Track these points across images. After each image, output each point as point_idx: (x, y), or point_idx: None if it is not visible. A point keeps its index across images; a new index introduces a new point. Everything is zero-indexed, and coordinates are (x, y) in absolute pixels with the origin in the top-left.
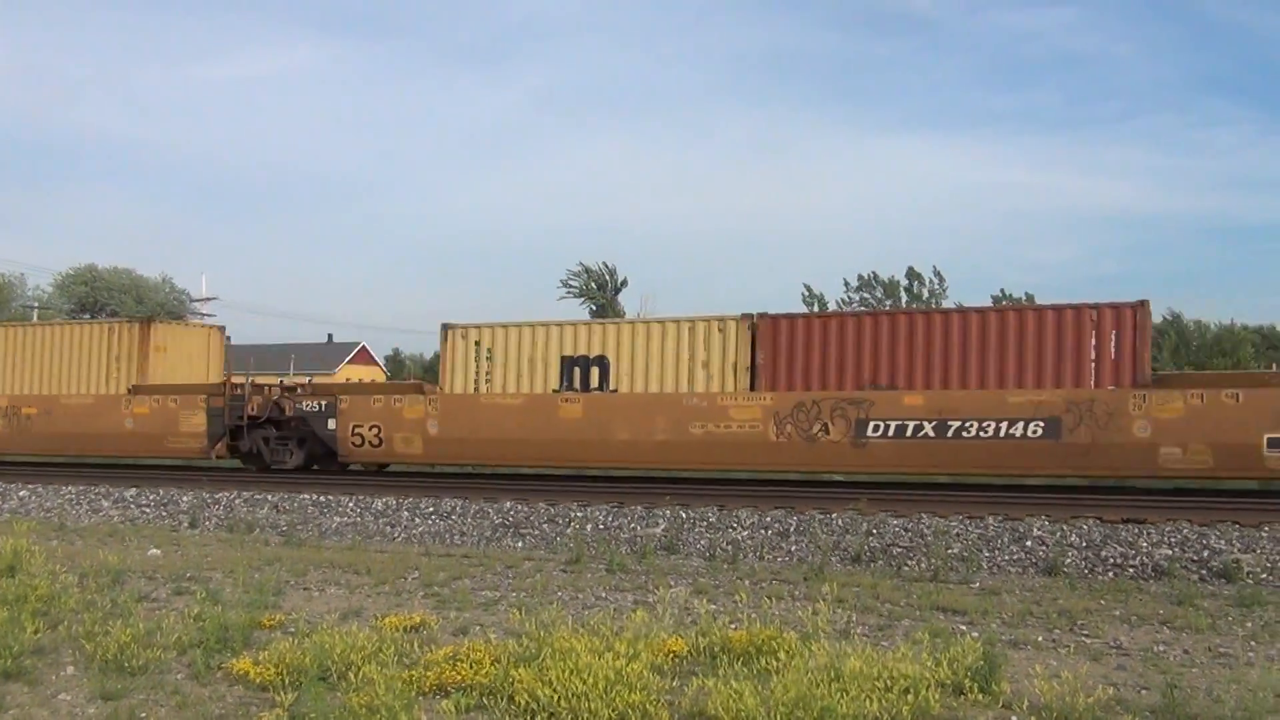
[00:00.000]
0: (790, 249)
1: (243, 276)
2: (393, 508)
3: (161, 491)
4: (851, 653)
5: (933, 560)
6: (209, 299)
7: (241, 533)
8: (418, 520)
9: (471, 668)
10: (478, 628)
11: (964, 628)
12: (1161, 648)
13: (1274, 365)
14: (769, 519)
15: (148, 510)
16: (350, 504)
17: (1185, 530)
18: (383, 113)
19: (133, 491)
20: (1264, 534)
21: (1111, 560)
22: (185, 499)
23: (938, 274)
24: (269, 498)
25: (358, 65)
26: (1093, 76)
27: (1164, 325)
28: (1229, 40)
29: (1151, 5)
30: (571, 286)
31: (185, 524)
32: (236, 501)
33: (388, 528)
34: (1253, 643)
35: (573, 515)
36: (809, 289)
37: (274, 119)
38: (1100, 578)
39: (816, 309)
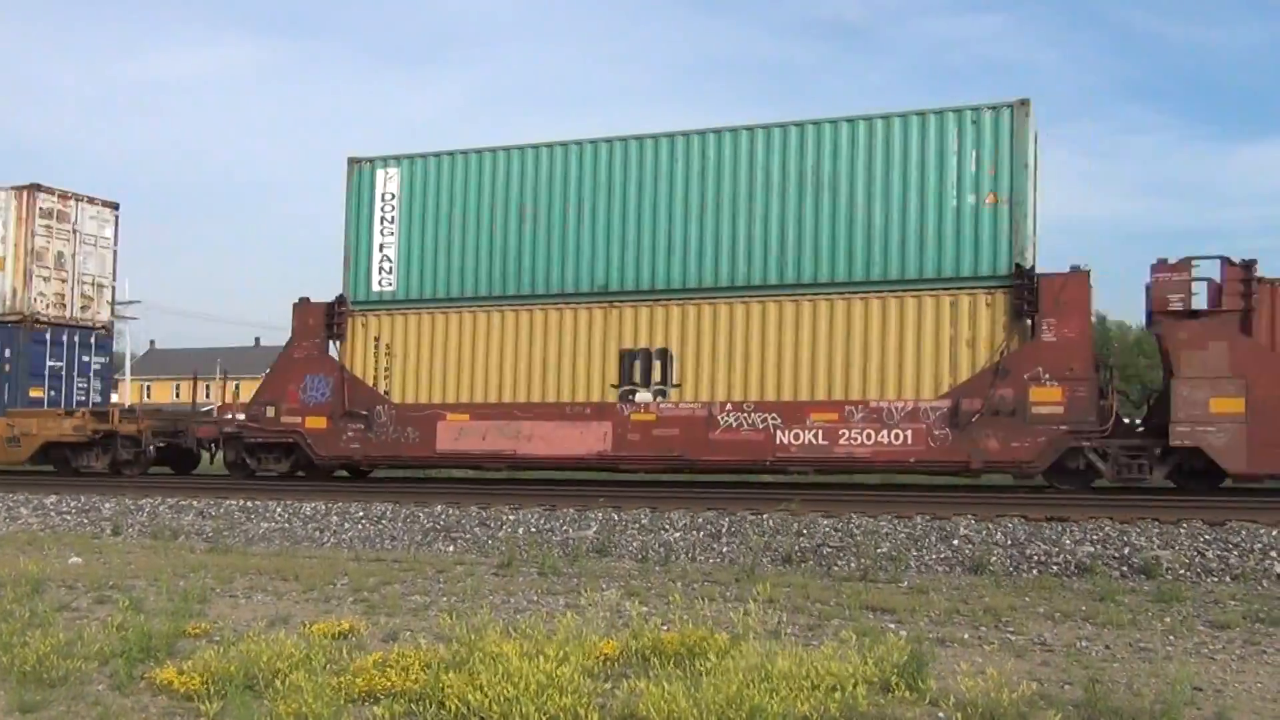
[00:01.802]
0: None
1: (168, 280)
2: (322, 513)
3: (83, 498)
4: (781, 652)
5: (862, 560)
6: (131, 302)
7: (166, 539)
8: (347, 525)
9: (401, 674)
10: (408, 633)
11: (893, 626)
12: (1084, 643)
13: None
14: (701, 520)
15: (69, 517)
16: (278, 509)
17: (1107, 528)
18: (310, 113)
19: (53, 499)
20: (1183, 531)
21: (1036, 558)
22: (108, 506)
23: None
24: (194, 504)
25: (284, 65)
26: (1017, 83)
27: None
28: (1148, 50)
29: (1074, 15)
30: None
31: (108, 531)
32: (161, 508)
33: (317, 533)
34: (1171, 637)
35: (505, 518)
36: None
37: (197, 119)
38: (1025, 575)
39: None
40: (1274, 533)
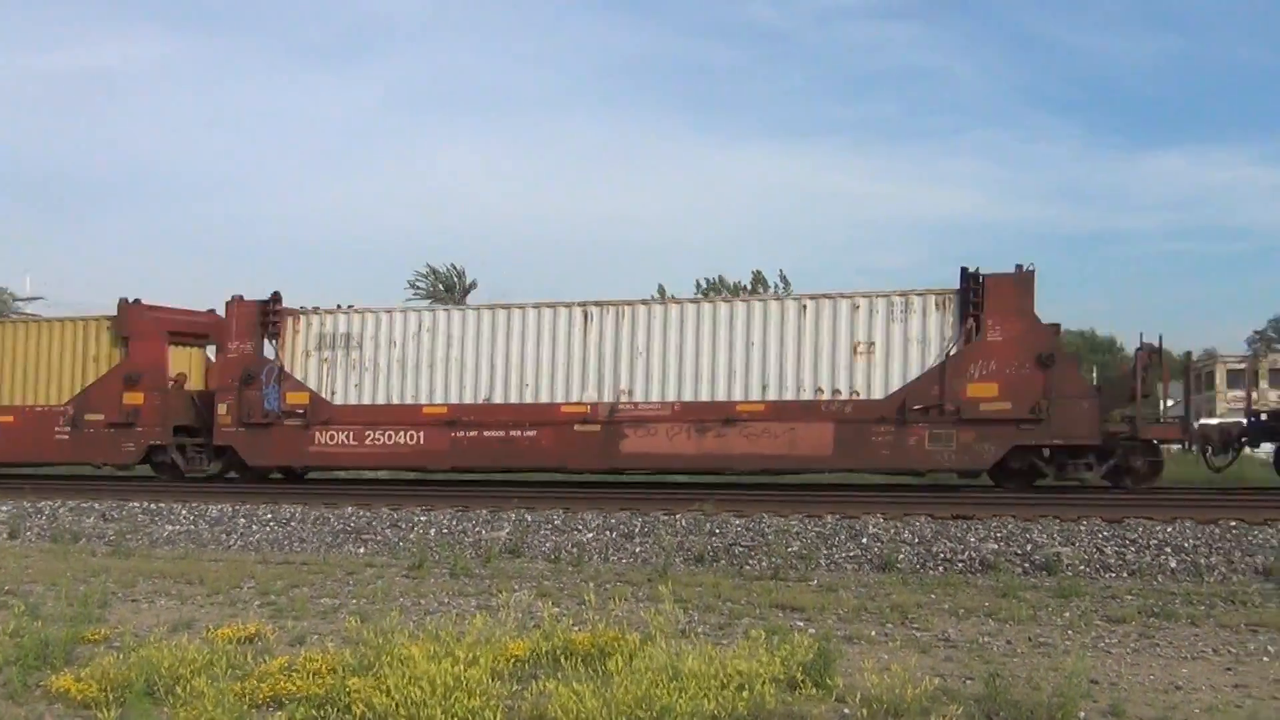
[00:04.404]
0: (644, 252)
1: (77, 275)
2: (229, 515)
3: None
4: (692, 652)
5: (774, 558)
6: (34, 298)
7: (66, 543)
8: (255, 527)
9: (307, 678)
10: (315, 637)
11: (802, 624)
12: (986, 638)
13: (1094, 368)
14: (615, 521)
15: None
16: (184, 512)
17: (1010, 525)
18: (229, 109)
19: None
20: (1082, 528)
21: (942, 555)
22: (4, 509)
23: (783, 278)
24: (96, 506)
25: (203, 60)
26: (932, 90)
27: None
28: (1055, 59)
29: (986, 23)
30: (419, 288)
31: (4, 535)
32: (62, 510)
33: (223, 535)
34: (1070, 631)
35: (416, 520)
36: (662, 291)
37: (113, 113)
38: (931, 572)
39: None
40: (1169, 529)
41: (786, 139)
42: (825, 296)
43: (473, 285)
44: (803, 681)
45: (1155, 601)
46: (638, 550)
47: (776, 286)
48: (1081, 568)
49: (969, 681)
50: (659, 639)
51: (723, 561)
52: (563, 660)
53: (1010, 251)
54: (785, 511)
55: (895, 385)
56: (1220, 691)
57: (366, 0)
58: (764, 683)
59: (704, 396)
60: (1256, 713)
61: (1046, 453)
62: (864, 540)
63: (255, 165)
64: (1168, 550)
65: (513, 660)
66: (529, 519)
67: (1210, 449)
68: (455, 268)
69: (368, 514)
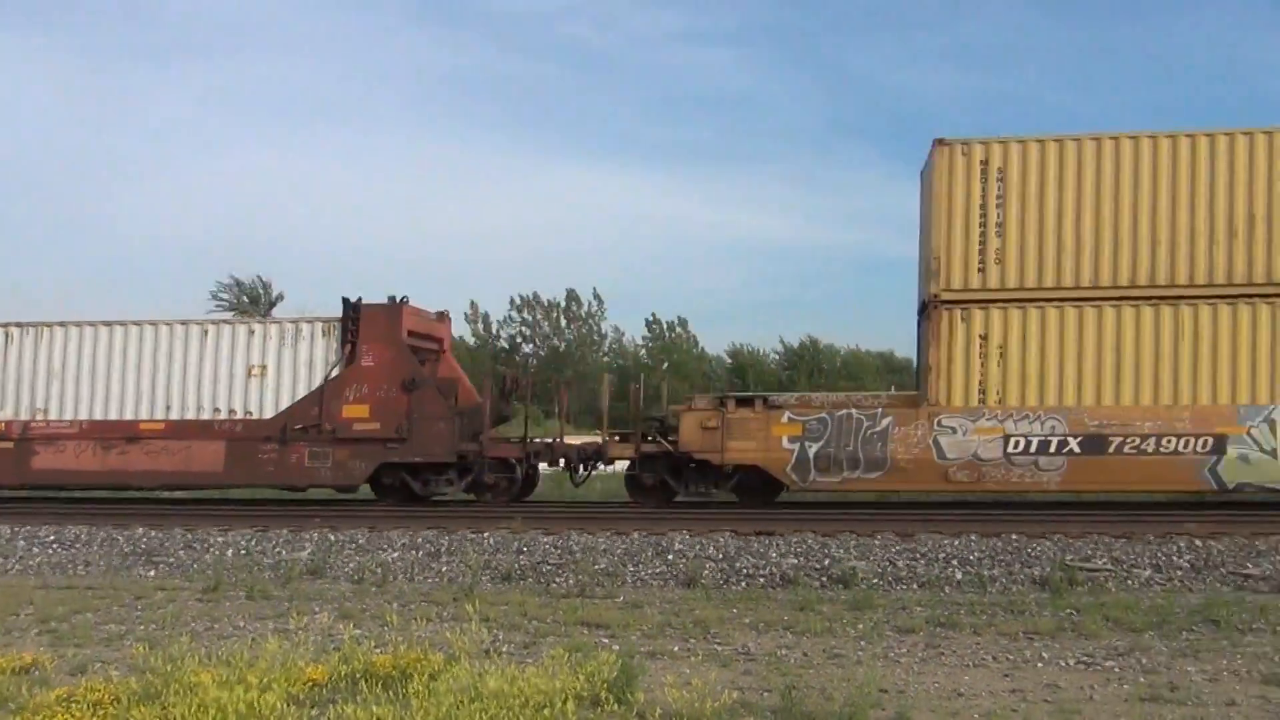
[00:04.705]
0: (459, 268)
1: None
2: (5, 537)
3: None
4: (495, 671)
5: (580, 576)
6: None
7: None
8: (36, 550)
9: (87, 709)
10: (98, 665)
11: (606, 641)
12: (784, 651)
13: (893, 387)
14: (421, 540)
15: None
16: None
17: (810, 541)
18: (35, 109)
19: None
20: (877, 542)
21: (745, 571)
22: None
23: (597, 296)
24: None
25: (8, 60)
26: (748, 116)
27: (801, 349)
28: (863, 91)
29: (797, 53)
30: (221, 300)
31: None
32: None
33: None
34: (863, 642)
35: (213, 540)
36: (474, 307)
37: None
38: (734, 587)
39: (481, 327)
40: (956, 542)
41: (605, 158)
42: (225, 322)
43: (279, 298)
44: (605, 698)
45: (942, 612)
46: (444, 569)
47: (590, 304)
48: (875, 581)
49: (766, 694)
50: (462, 659)
51: (530, 579)
52: (362, 684)
53: (820, 274)
54: (593, 529)
55: (284, 406)
56: (998, 697)
57: (177, 3)
58: (566, 700)
59: (112, 415)
60: (1029, 716)
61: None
62: (670, 557)
63: (58, 167)
64: (955, 563)
65: (310, 685)
66: (332, 539)
67: (571, 466)
68: (261, 279)
69: (160, 535)
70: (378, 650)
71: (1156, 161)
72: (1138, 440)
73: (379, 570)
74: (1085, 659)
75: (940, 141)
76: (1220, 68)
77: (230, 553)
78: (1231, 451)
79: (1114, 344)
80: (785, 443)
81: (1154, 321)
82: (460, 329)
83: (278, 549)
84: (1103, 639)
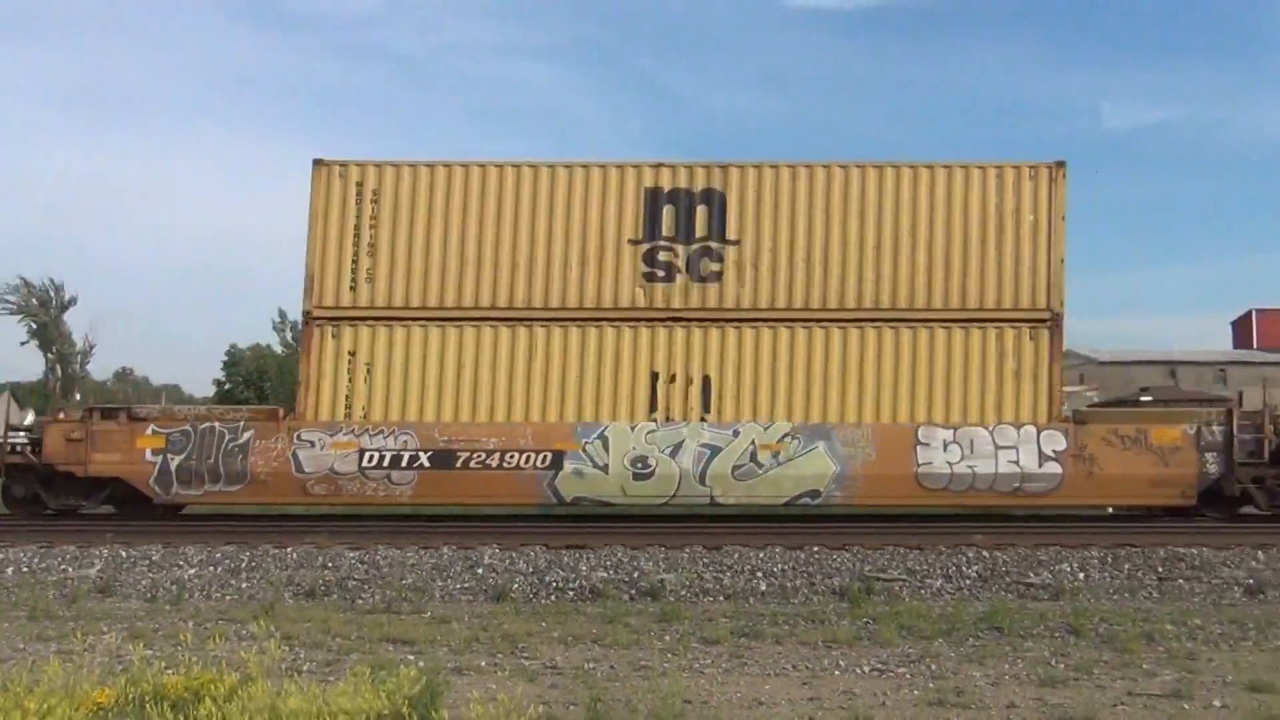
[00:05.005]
0: (262, 276)
1: None
2: None
3: None
4: (295, 691)
5: (387, 591)
6: None
7: None
8: None
9: None
10: None
11: (412, 657)
12: (591, 664)
13: None
14: (219, 555)
15: None
16: None
17: (620, 554)
18: None
19: None
20: (685, 554)
21: (554, 584)
22: None
23: None
24: None
25: None
26: (567, 130)
27: None
28: (682, 110)
29: (616, 72)
30: (8, 302)
31: None
32: None
33: None
34: (669, 654)
35: None
36: (283, 315)
37: None
38: (544, 601)
39: (290, 336)
40: (761, 554)
41: None
42: None
43: (71, 301)
44: (408, 715)
45: (746, 623)
46: (244, 586)
47: None
48: (683, 593)
49: (572, 707)
50: (264, 678)
51: (335, 595)
52: (151, 706)
53: None
54: (401, 543)
55: None
56: (797, 705)
57: None
58: (366, 719)
59: None
60: None
61: None
62: (479, 571)
63: None
64: (760, 575)
65: (96, 709)
66: (124, 555)
67: None
68: (53, 281)
69: None
70: (169, 671)
71: (519, 189)
72: (483, 455)
73: (174, 588)
74: (880, 666)
75: (319, 162)
76: (1010, 105)
77: (10, 571)
78: (568, 466)
79: (471, 362)
80: (148, 455)
81: (510, 341)
82: None
83: (64, 566)
84: (896, 646)
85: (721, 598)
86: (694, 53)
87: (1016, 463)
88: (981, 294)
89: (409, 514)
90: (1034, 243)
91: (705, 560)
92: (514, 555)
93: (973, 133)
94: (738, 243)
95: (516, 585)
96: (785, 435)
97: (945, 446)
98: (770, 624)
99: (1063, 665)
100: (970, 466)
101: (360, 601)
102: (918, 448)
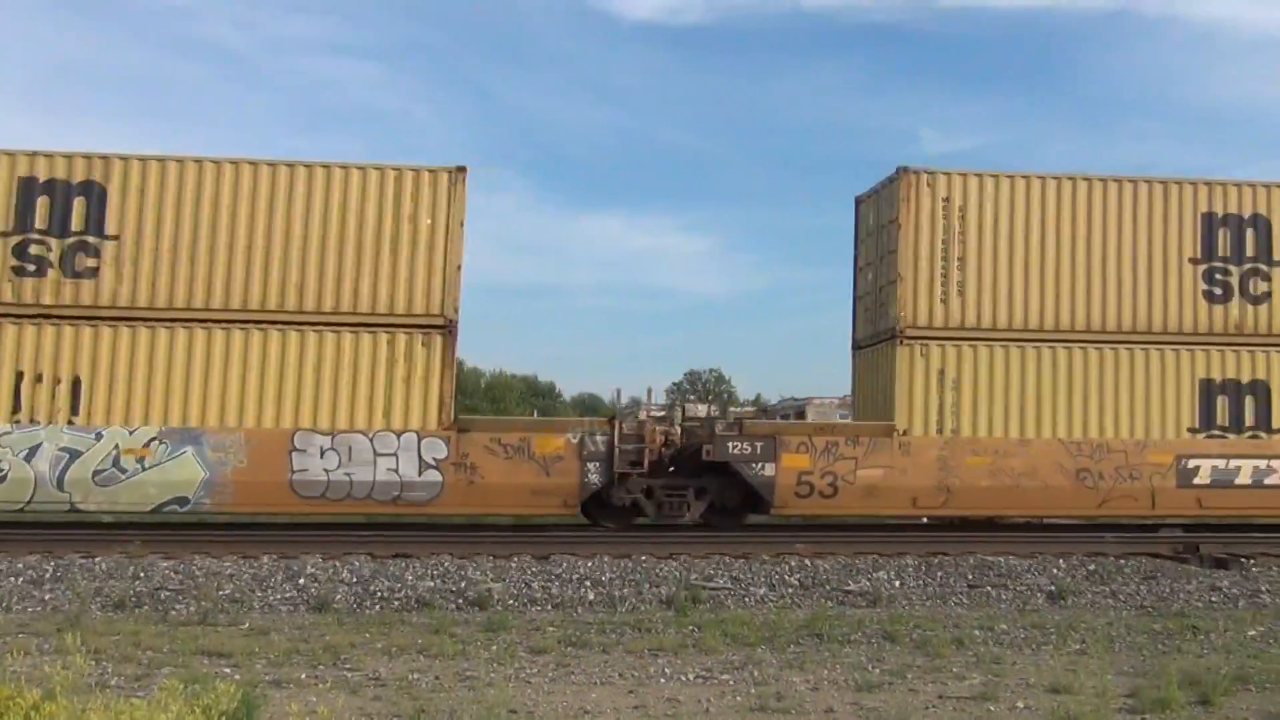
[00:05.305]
0: None
1: None
2: None
3: None
4: (99, 707)
5: (203, 602)
6: None
7: None
8: None
9: None
10: None
11: (228, 670)
12: (416, 675)
13: (534, 411)
14: (21, 565)
15: None
16: None
17: (447, 563)
18: None
19: None
20: (513, 564)
21: (380, 594)
22: None
23: None
24: None
25: None
26: (395, 132)
27: None
28: (509, 116)
29: (447, 77)
30: None
31: None
32: None
33: None
34: (495, 664)
35: None
36: None
37: None
38: (369, 611)
39: None
40: (589, 564)
41: None
42: None
43: None
44: None
45: (574, 632)
46: (48, 598)
47: None
48: (511, 602)
49: (395, 719)
50: (66, 694)
51: (146, 607)
52: None
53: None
54: (219, 553)
55: None
56: (622, 713)
57: None
58: None
59: None
60: None
61: None
62: (301, 581)
63: None
64: (588, 584)
65: None
66: None
67: None
68: None
69: None
70: None
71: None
72: None
73: None
74: (704, 673)
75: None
76: (818, 127)
77: None
78: None
79: None
80: None
81: None
82: None
83: None
84: (720, 654)
85: (549, 607)
86: (527, 62)
87: (396, 470)
88: (374, 298)
89: (230, 523)
90: (431, 248)
91: (534, 569)
92: (338, 565)
93: (798, 151)
94: (117, 238)
95: (340, 595)
96: (152, 439)
97: (322, 453)
98: (597, 633)
99: (878, 670)
100: (348, 474)
101: (174, 613)
102: (293, 454)
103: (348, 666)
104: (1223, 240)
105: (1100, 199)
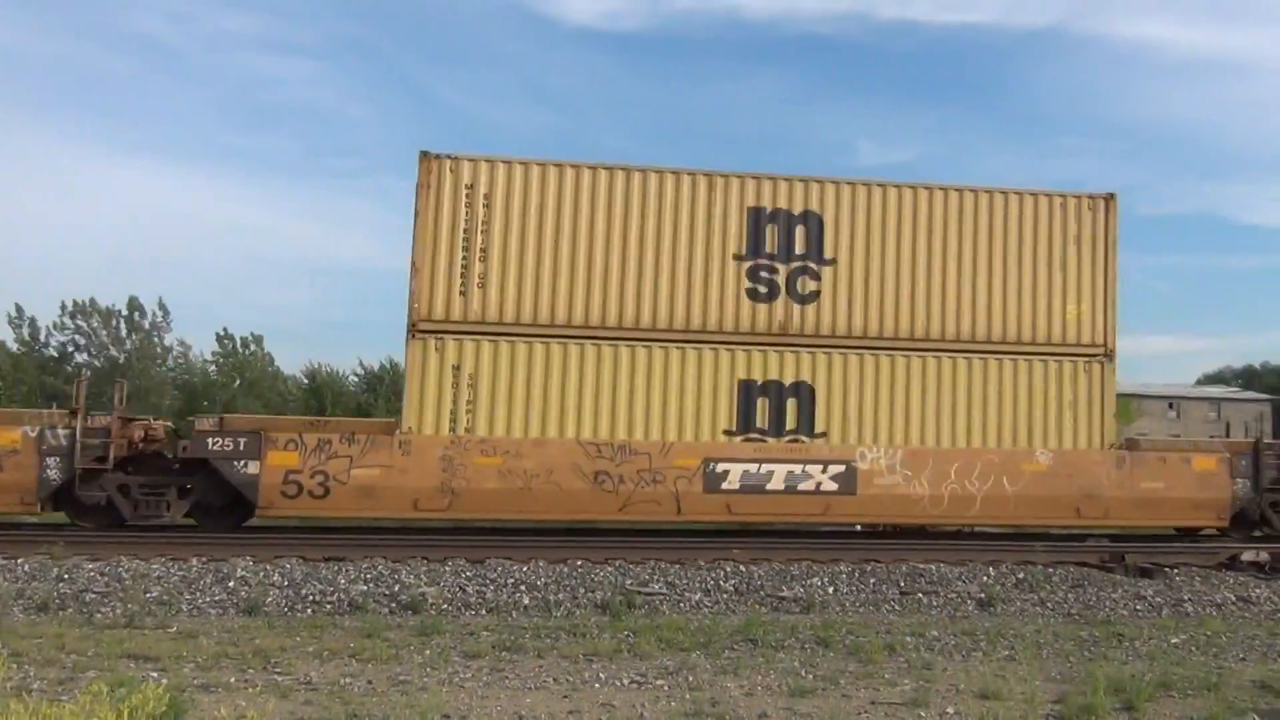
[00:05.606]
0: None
1: None
2: None
3: None
4: (23, 712)
5: (130, 605)
6: None
7: None
8: None
9: None
10: None
11: (155, 674)
12: (348, 679)
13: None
14: None
15: None
16: None
17: (381, 567)
18: None
19: None
20: (448, 568)
21: (311, 598)
22: None
23: (162, 306)
24: None
25: None
26: (330, 131)
27: (382, 372)
28: (448, 118)
29: (385, 76)
30: None
31: None
32: None
33: None
34: (429, 668)
35: None
36: (19, 310)
37: None
38: (300, 615)
39: (27, 333)
40: (525, 568)
41: (176, 161)
42: None
43: None
44: None
45: (509, 636)
46: None
47: (155, 315)
48: (445, 606)
49: None
50: None
51: (71, 610)
52: None
53: (396, 297)
54: (146, 555)
55: None
56: (557, 718)
57: None
58: None
59: None
60: None
61: None
62: (231, 584)
63: None
64: (523, 588)
65: None
66: None
67: None
68: None
69: None
70: None
71: None
72: None
73: None
74: (639, 678)
75: None
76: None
77: None
78: None
79: None
80: None
81: None
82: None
83: None
84: (655, 659)
85: (484, 611)
86: (465, 62)
87: None
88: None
89: (161, 524)
90: None
91: (468, 573)
92: (268, 567)
93: (736, 159)
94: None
95: (271, 599)
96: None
97: None
98: (533, 637)
99: (812, 676)
100: None
101: (99, 616)
102: None
103: (278, 670)
104: (770, 237)
105: (640, 190)
